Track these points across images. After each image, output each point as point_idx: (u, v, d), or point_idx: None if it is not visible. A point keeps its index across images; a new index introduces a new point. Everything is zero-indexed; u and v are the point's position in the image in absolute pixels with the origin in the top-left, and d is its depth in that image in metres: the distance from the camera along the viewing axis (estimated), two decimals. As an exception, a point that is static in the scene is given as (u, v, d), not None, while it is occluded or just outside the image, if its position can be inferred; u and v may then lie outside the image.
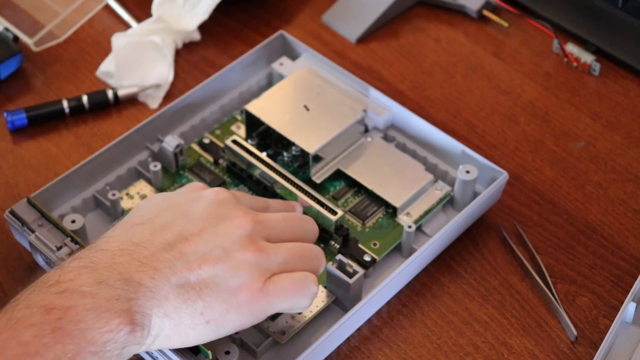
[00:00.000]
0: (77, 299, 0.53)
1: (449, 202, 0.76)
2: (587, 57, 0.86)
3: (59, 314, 0.52)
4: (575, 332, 0.69)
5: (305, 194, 0.73)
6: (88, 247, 0.57)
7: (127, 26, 0.90)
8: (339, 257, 0.69)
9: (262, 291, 0.57)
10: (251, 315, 0.58)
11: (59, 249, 0.68)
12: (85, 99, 0.83)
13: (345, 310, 0.68)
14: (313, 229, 0.65)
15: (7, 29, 0.88)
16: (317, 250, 0.62)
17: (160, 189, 0.75)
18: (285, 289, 0.58)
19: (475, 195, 0.74)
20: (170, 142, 0.76)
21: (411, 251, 0.72)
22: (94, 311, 0.53)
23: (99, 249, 0.57)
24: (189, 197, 0.61)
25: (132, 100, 0.84)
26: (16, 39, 0.87)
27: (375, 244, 0.72)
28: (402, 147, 0.78)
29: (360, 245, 0.72)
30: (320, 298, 0.69)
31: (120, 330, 0.53)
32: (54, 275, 0.55)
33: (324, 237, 0.72)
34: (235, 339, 0.65)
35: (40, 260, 0.70)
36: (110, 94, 0.83)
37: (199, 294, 0.56)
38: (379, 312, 0.70)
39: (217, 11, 0.89)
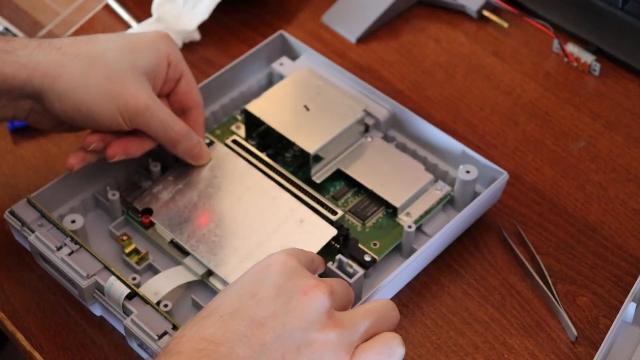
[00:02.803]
0: None
1: (449, 202, 0.76)
2: (587, 57, 0.86)
3: None
4: (575, 332, 0.69)
5: (305, 194, 0.73)
6: (163, 352, 0.54)
7: (127, 26, 0.90)
8: (339, 257, 0.69)
9: None
10: None
11: (59, 249, 0.68)
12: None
13: (345, 310, 0.68)
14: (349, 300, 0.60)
15: (7, 29, 0.88)
16: (390, 306, 0.58)
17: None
18: None
19: (476, 195, 0.74)
20: (170, 142, 0.76)
21: (411, 251, 0.72)
22: None
23: (175, 352, 0.53)
24: (254, 275, 0.56)
25: (132, 100, 0.84)
26: (16, 39, 0.87)
27: (375, 244, 0.72)
28: (402, 147, 0.78)
29: (360, 245, 0.72)
30: (320, 298, 0.69)
31: None
32: None
33: (324, 237, 0.72)
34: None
35: (40, 260, 0.70)
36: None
37: None
38: (379, 312, 0.70)
39: (217, 11, 0.89)
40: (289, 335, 0.54)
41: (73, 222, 0.71)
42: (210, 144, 0.77)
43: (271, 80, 0.84)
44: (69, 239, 0.68)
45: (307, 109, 0.77)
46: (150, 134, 0.71)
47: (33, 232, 0.69)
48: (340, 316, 0.56)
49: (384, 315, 0.57)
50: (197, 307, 0.69)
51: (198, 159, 0.74)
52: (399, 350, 0.56)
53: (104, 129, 0.70)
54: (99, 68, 0.68)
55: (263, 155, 0.76)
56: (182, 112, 0.74)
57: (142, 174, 0.76)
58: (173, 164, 0.76)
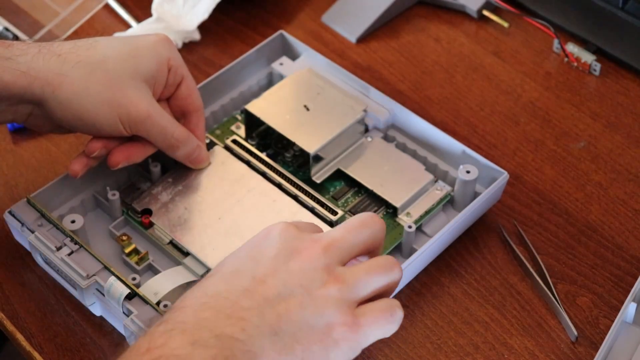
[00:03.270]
0: None
1: (449, 202, 0.75)
2: (587, 57, 0.86)
3: None
4: (575, 332, 0.69)
5: (305, 194, 0.73)
6: (168, 310, 0.55)
7: (127, 26, 0.90)
8: (339, 257, 0.69)
9: (355, 324, 0.55)
10: (350, 350, 0.55)
11: (58, 249, 0.68)
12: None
13: (346, 310, 0.68)
14: (379, 227, 0.59)
15: (7, 29, 0.88)
16: (391, 262, 0.58)
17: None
18: (377, 318, 0.56)
19: (476, 195, 0.74)
20: (170, 142, 0.76)
21: (411, 251, 0.72)
22: None
23: (179, 308, 0.54)
24: (253, 242, 0.58)
25: (132, 100, 0.84)
26: (16, 38, 0.87)
27: (375, 244, 0.72)
28: (402, 147, 0.78)
29: (360, 246, 0.72)
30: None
31: None
32: (143, 343, 0.52)
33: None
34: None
35: (39, 260, 0.70)
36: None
37: (294, 339, 0.53)
38: (379, 312, 0.70)
39: (217, 11, 0.89)
40: (291, 292, 0.54)
41: (73, 222, 0.71)
42: (211, 147, 0.77)
43: (271, 80, 0.84)
44: (68, 239, 0.68)
45: (307, 109, 0.77)
46: (150, 140, 0.71)
47: (33, 232, 0.69)
48: (341, 272, 0.56)
49: (387, 270, 0.57)
50: (197, 307, 0.69)
51: (197, 163, 0.74)
52: (399, 312, 0.57)
53: (104, 135, 0.70)
54: (100, 76, 0.68)
55: (263, 155, 0.76)
56: (182, 115, 0.74)
57: (142, 174, 0.76)
58: (173, 165, 0.76)
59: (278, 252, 0.56)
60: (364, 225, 0.58)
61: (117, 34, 0.86)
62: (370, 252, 0.59)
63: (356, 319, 0.55)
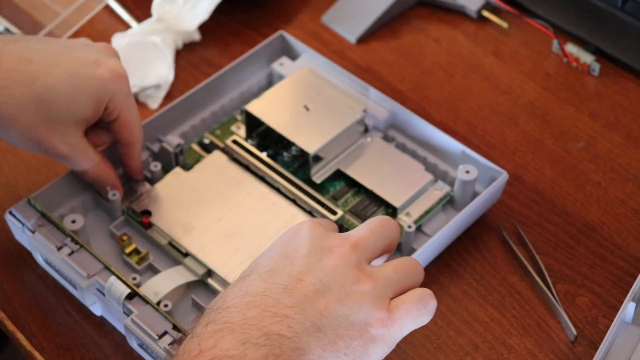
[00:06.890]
0: None
1: (448, 202, 0.76)
2: (586, 57, 0.86)
3: None
4: (574, 332, 0.69)
5: (305, 194, 0.73)
6: (210, 310, 0.55)
7: (127, 26, 0.91)
8: (339, 257, 0.69)
9: (390, 319, 0.56)
10: (386, 345, 0.56)
11: (59, 249, 0.68)
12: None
13: (345, 310, 0.68)
14: (396, 230, 0.61)
15: (7, 29, 0.88)
16: (414, 263, 0.60)
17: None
18: (410, 310, 0.57)
19: (475, 195, 0.74)
20: (171, 142, 0.76)
21: (411, 251, 0.72)
22: None
23: (224, 308, 0.54)
24: (285, 240, 0.59)
25: (132, 101, 0.84)
26: (16, 39, 0.87)
27: (375, 244, 0.72)
28: (402, 147, 0.78)
29: (360, 245, 0.72)
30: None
31: None
32: (193, 345, 0.52)
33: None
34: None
35: (40, 260, 0.71)
36: (110, 94, 0.83)
37: (336, 334, 0.54)
38: (378, 312, 0.70)
39: (217, 11, 0.89)
40: (328, 289, 0.55)
41: (73, 222, 0.71)
42: (209, 151, 0.77)
43: (271, 80, 0.84)
44: (69, 239, 0.68)
45: (307, 109, 0.77)
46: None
47: (33, 232, 0.69)
48: (371, 270, 0.57)
49: (412, 270, 0.59)
50: (197, 307, 0.69)
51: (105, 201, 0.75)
52: (432, 301, 0.58)
53: None
54: (29, 116, 0.67)
55: (263, 156, 0.76)
56: (118, 142, 0.74)
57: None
58: (173, 167, 0.76)
59: (310, 250, 0.57)
60: (384, 226, 0.60)
61: (116, 35, 0.86)
62: (387, 253, 0.61)
63: (390, 314, 0.56)
